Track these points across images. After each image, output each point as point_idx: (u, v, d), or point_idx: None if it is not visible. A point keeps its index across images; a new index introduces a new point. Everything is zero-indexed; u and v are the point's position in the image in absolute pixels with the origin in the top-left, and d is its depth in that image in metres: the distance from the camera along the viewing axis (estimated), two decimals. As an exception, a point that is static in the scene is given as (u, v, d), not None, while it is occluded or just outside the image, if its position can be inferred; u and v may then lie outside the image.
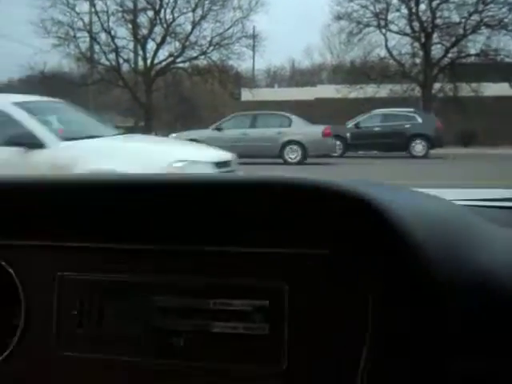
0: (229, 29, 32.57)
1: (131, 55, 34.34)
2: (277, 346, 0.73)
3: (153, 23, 33.55)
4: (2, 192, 0.84)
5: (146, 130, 33.01)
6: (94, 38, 33.20)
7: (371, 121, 21.27)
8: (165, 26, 33.44)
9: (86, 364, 0.81)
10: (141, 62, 34.13)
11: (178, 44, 33.74)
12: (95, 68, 34.21)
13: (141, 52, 34.03)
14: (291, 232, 0.72)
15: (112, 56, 33.44)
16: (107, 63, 33.73)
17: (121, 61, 33.66)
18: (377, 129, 20.63)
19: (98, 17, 32.97)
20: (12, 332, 0.87)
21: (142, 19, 33.99)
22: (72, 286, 0.83)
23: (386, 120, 21.05)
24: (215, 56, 33.07)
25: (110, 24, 33.15)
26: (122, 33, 34.29)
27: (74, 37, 33.09)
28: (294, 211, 0.70)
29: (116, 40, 33.41)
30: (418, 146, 20.18)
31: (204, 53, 33.13)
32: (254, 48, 34.43)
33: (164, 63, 34.12)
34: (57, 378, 0.83)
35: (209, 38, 32.87)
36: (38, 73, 34.51)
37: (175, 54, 33.74)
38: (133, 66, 34.34)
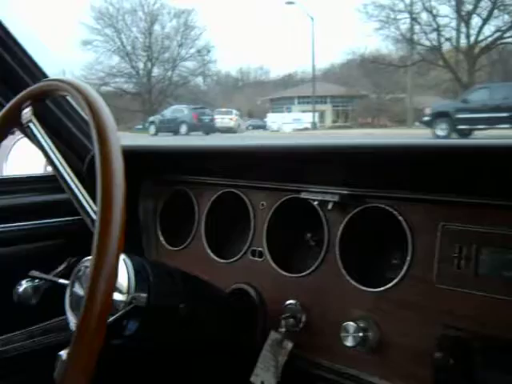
0: None
1: (453, 33, 33.24)
2: None
3: (479, -2, 31.80)
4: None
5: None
6: (414, 19, 33.12)
7: None
8: (492, -1, 31.37)
9: (461, 297, 0.98)
10: (463, 40, 32.79)
11: (507, 17, 31.33)
12: (415, 49, 34.14)
13: (464, 29, 32.67)
14: None
15: (433, 36, 32.91)
16: (427, 43, 33.35)
17: (442, 40, 32.89)
18: None
19: (421, -4, 32.70)
20: (394, 268, 1.09)
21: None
22: (453, 234, 1.00)
23: None
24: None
25: (432, 3, 32.60)
26: (445, 10, 33.38)
27: (395, 19, 33.56)
28: None
29: (438, 18, 32.73)
30: None
31: (537, 24, 30.06)
32: None
33: (490, 39, 32.13)
34: (434, 305, 1.01)
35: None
36: (358, 56, 36.09)
37: (503, 28, 31.42)
38: (455, 44, 33.22)
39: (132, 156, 1.46)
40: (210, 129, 24.65)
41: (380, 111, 38.66)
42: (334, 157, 1.13)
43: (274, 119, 32.69)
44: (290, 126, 29.18)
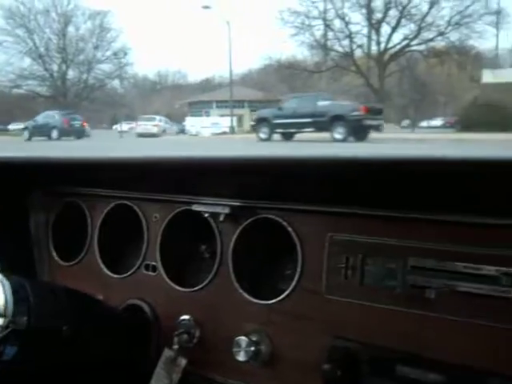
0: (470, 6, 30.66)
1: (364, 40, 34.48)
2: None
3: (387, 6, 33.19)
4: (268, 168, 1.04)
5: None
6: (328, 26, 34.08)
7: None
8: (400, 8, 32.83)
9: (349, 307, 0.98)
10: (374, 47, 34.08)
11: (413, 26, 32.89)
12: (328, 55, 35.12)
13: (374, 36, 33.97)
14: None
15: (346, 42, 33.99)
16: (340, 49, 34.38)
17: (354, 46, 34.03)
18: None
19: (333, 3, 33.72)
20: (286, 279, 1.09)
21: (377, 3, 33.84)
22: (340, 245, 1.00)
23: None
24: (454, 36, 31.48)
25: (345, 10, 33.67)
26: (356, 18, 34.58)
27: (309, 25, 34.38)
28: None
29: (350, 26, 33.85)
30: None
31: (441, 33, 31.75)
32: (497, 25, 31.89)
33: (398, 47, 33.57)
34: (323, 317, 1.02)
35: (447, 18, 31.38)
36: (275, 62, 36.68)
37: (410, 36, 32.95)
38: (366, 51, 34.45)
39: (17, 167, 1.39)
40: (80, 133, 25.19)
41: (297, 116, 39.39)
42: (224, 169, 1.11)
43: (192, 123, 32.57)
44: (208, 130, 29.20)
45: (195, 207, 1.18)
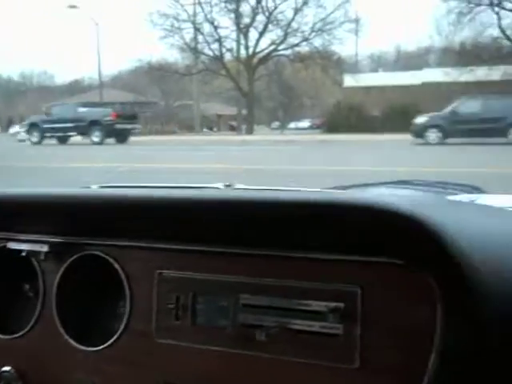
0: (331, 14, 32.24)
1: (234, 44, 35.00)
2: (350, 346, 0.79)
3: (255, 12, 33.94)
4: (116, 205, 0.96)
5: (249, 118, 33.56)
6: (197, 29, 34.13)
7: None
8: (267, 13, 33.72)
9: (180, 351, 0.92)
10: (243, 51, 34.68)
11: (279, 31, 33.92)
12: (199, 58, 35.20)
13: (243, 41, 34.57)
14: (365, 243, 0.78)
15: (215, 46, 34.27)
16: (210, 53, 34.60)
17: (223, 50, 34.41)
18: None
19: (202, 7, 33.85)
20: (118, 320, 0.99)
21: (245, 8, 34.46)
22: (169, 282, 0.93)
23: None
24: (317, 42, 32.92)
25: (214, 14, 33.93)
26: (225, 22, 35.00)
27: (179, 28, 34.23)
28: (366, 227, 0.76)
29: (219, 30, 34.17)
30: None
31: (306, 39, 33.06)
32: (356, 33, 33.91)
33: (266, 51, 34.45)
34: (154, 362, 0.94)
35: (311, 24, 32.75)
36: (146, 64, 36.10)
37: (277, 41, 33.94)
38: (235, 55, 34.97)
39: None
40: None
41: (169, 118, 39.07)
42: (43, 205, 1.00)
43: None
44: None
45: (11, 245, 1.05)
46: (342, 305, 0.80)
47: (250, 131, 32.02)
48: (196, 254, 0.92)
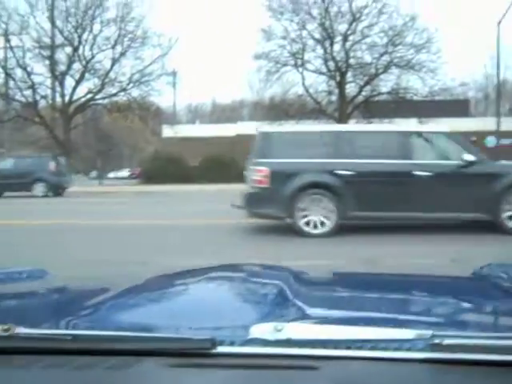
0: (149, 66, 32.70)
1: (49, 92, 33.73)
2: None
3: (71, 60, 33.20)
4: None
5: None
6: (8, 74, 32.40)
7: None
8: (84, 62, 33.15)
9: None
10: (59, 99, 33.56)
11: (97, 80, 33.51)
12: (11, 104, 33.31)
13: (59, 88, 33.49)
14: None
15: (28, 92, 32.71)
16: (23, 99, 32.94)
17: (38, 97, 32.97)
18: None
19: (13, 52, 32.27)
20: None
21: (60, 55, 33.58)
22: None
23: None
24: (135, 93, 33.06)
25: (27, 60, 32.52)
26: (40, 69, 33.68)
27: (-12, 72, 32.19)
28: None
29: (33, 76, 32.76)
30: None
31: (124, 89, 33.02)
32: (174, 85, 34.75)
33: (83, 100, 33.72)
34: None
35: (128, 75, 32.86)
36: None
37: (94, 90, 33.44)
38: (50, 102, 33.70)
39: None
40: None
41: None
42: None
43: None
44: None
45: None
46: None
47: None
48: None
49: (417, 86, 30.62)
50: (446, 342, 0.78)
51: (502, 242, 6.94)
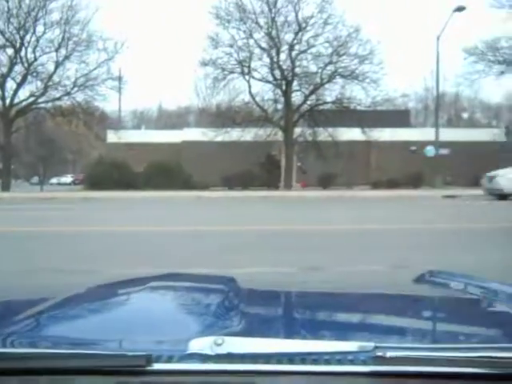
0: (94, 70, 32.07)
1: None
2: None
3: (13, 62, 32.17)
4: None
5: (5, 172, 31.23)
6: None
7: None
8: (26, 64, 32.20)
9: None
10: (-1, 101, 32.44)
11: (40, 84, 32.60)
12: None
13: (-1, 91, 32.38)
14: None
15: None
16: None
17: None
18: None
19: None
20: None
21: (1, 57, 32.50)
22: None
23: None
24: (80, 97, 32.33)
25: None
26: (-22, 70, 32.44)
27: None
28: None
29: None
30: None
31: (68, 93, 32.24)
32: (120, 90, 34.14)
33: (25, 103, 32.71)
34: None
35: (73, 79, 32.11)
36: None
37: (37, 93, 32.50)
38: (-8, 105, 32.54)
39: None
40: None
41: None
42: None
43: None
44: None
45: None
46: None
47: (6, 187, 29.77)
48: None
49: (360, 96, 31.31)
50: (389, 354, 0.77)
51: (443, 249, 7.13)
